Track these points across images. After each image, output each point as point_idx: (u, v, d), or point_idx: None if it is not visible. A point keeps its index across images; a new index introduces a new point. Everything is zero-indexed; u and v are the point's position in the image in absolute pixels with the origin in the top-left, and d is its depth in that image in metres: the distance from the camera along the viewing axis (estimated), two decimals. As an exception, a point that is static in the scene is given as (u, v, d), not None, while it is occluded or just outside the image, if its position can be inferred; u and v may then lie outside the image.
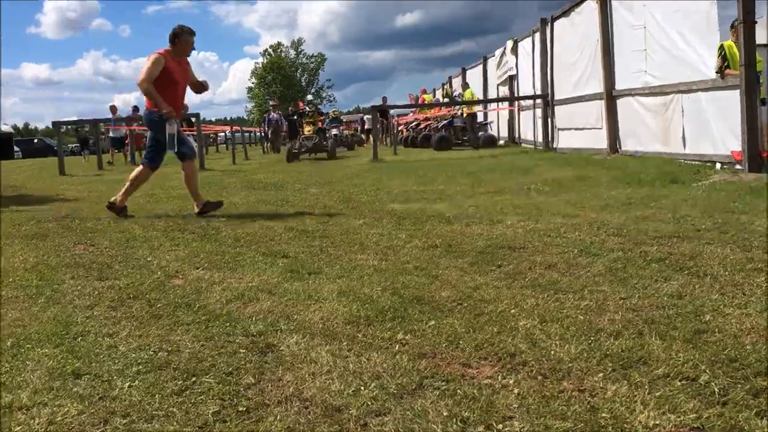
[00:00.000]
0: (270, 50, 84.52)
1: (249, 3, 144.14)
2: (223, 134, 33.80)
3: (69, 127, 29.20)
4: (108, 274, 4.48)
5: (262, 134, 29.94)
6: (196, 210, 7.40)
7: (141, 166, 7.64)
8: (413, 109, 24.06)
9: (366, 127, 31.28)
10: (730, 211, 5.62)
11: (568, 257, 4.33)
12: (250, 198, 8.95)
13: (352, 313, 3.29)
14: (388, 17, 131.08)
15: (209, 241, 5.63)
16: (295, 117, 22.08)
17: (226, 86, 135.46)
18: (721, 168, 8.46)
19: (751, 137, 7.71)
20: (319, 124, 20.35)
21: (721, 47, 8.28)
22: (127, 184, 7.54)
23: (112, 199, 7.50)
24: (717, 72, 8.38)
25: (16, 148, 51.00)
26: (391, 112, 25.29)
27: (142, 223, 6.84)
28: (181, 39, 7.36)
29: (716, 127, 8.62)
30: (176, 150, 7.37)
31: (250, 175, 14.10)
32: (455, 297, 3.52)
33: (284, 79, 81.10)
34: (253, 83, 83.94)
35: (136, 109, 22.42)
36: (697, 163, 8.97)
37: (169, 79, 7.31)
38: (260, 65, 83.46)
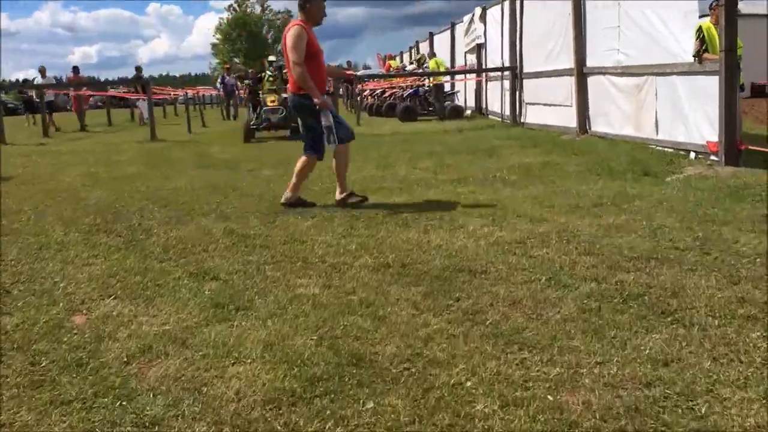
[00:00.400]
0: (235, 5, 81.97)
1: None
2: (183, 95, 31.98)
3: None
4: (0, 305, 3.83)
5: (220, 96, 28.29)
6: (338, 197, 6.61)
7: (304, 157, 6.67)
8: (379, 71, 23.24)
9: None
10: (711, 220, 5.15)
11: (535, 289, 3.80)
12: (196, 183, 8.25)
13: (275, 384, 2.71)
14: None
15: (134, 250, 4.99)
16: (251, 81, 18.57)
17: (190, 41, 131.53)
18: (695, 158, 8.00)
19: (729, 128, 7.24)
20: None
21: (700, 29, 7.73)
22: (294, 179, 6.64)
23: (283, 199, 6.62)
24: (694, 56, 7.85)
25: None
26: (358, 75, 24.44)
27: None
28: (314, 4, 6.42)
29: (691, 114, 8.13)
30: (336, 143, 6.41)
31: (204, 147, 13.34)
32: (402, 356, 2.96)
33: (250, 36, 78.88)
34: (217, 39, 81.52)
35: (76, 69, 21.06)
36: (670, 150, 8.50)
37: (312, 52, 6.35)
38: (225, 21, 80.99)
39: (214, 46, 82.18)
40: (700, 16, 7.85)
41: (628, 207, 5.82)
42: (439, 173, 8.38)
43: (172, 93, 28.89)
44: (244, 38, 77.87)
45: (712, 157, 7.62)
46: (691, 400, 2.48)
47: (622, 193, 6.43)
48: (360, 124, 16.92)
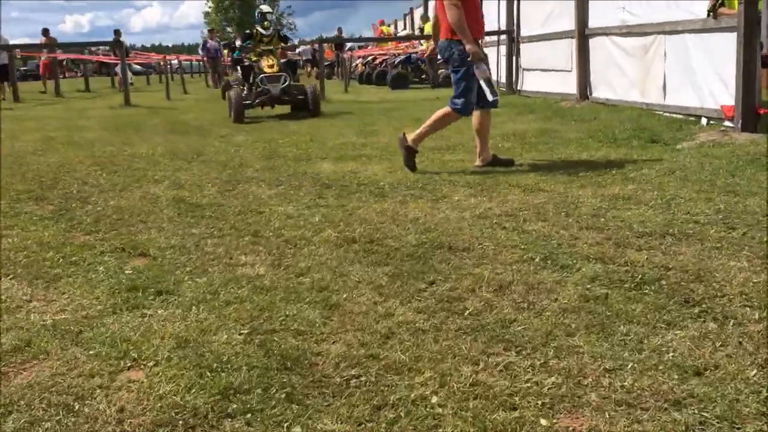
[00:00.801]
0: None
1: None
2: (176, 61, 30.43)
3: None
4: None
5: (203, 63, 26.72)
6: (478, 163, 5.89)
7: (448, 109, 5.84)
8: (372, 44, 22.28)
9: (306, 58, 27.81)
10: (732, 191, 4.44)
11: (527, 270, 3.11)
12: (158, 149, 7.49)
13: (174, 398, 2.02)
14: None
15: (60, 221, 4.27)
16: (234, 41, 15.37)
17: (183, 10, 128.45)
18: (707, 124, 7.27)
19: (747, 90, 6.49)
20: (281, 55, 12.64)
21: (716, -19, 6.98)
22: (426, 126, 5.90)
23: (408, 140, 5.82)
24: (709, 11, 7.09)
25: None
26: (348, 45, 23.52)
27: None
28: None
29: (704, 76, 7.38)
30: (494, 99, 5.63)
31: (179, 115, 12.54)
32: (352, 359, 2.26)
33: (243, 4, 77.30)
34: (210, 7, 79.94)
35: (46, 31, 19.87)
36: (679, 117, 7.76)
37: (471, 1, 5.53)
38: (218, -11, 79.30)
39: (206, 14, 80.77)
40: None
41: (635, 176, 5.11)
42: (425, 141, 7.63)
43: (153, 58, 27.79)
44: (237, 6, 76.46)
45: (727, 123, 6.89)
46: (738, 428, 1.80)
47: (629, 161, 5.71)
48: (347, 92, 16.12)
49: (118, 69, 18.56)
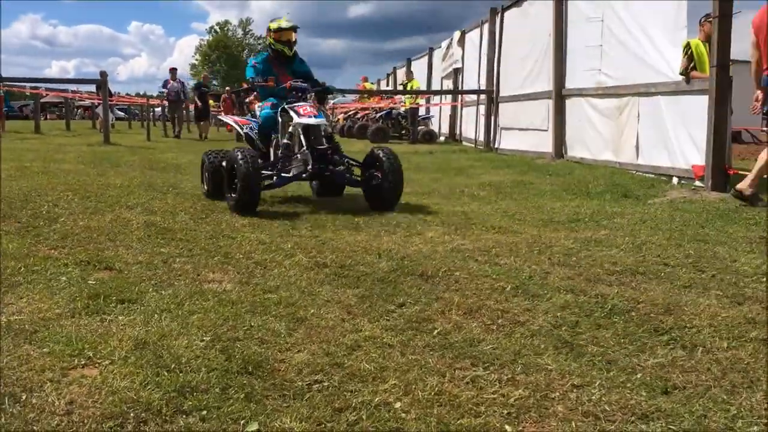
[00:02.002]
0: (217, 28, 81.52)
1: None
2: (159, 108, 30.22)
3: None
4: None
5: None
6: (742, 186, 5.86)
7: None
8: (354, 98, 22.60)
9: None
10: (702, 240, 4.48)
11: (498, 298, 3.08)
12: (134, 181, 7.42)
13: (128, 393, 1.94)
14: (341, 6, 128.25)
15: (26, 236, 4.18)
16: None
17: (171, 61, 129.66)
18: (678, 183, 7.41)
19: (717, 151, 6.65)
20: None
21: (687, 45, 7.21)
22: (755, 171, 5.86)
23: (738, 186, 5.86)
24: (681, 73, 7.31)
25: None
26: (330, 99, 23.84)
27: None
28: None
29: (676, 137, 7.56)
30: None
31: (157, 154, 12.49)
32: (315, 366, 2.21)
33: (229, 59, 78.32)
34: (197, 60, 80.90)
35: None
36: (651, 175, 7.91)
37: None
38: (206, 42, 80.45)
39: (193, 66, 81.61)
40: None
41: (608, 223, 5.15)
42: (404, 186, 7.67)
43: (136, 101, 27.84)
44: (224, 60, 77.49)
45: (697, 183, 7.02)
46: (709, 445, 1.76)
47: (601, 210, 5.77)
48: (328, 143, 16.23)
49: (99, 110, 18.55)
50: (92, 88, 20.93)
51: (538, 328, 2.67)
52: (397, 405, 1.93)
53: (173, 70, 19.74)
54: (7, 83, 18.29)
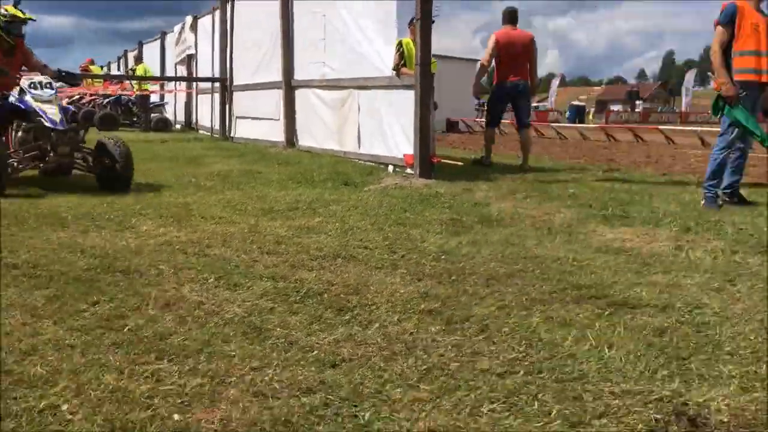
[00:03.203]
0: None
1: None
2: None
3: None
4: None
5: None
6: None
7: None
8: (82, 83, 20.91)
9: None
10: (401, 223, 4.95)
11: (198, 289, 3.14)
12: None
13: None
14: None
15: None
16: None
17: None
18: (393, 171, 8.04)
19: (423, 141, 7.34)
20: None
21: (400, 44, 7.85)
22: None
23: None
24: (394, 69, 7.93)
25: None
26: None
27: None
28: None
29: (390, 128, 8.18)
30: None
31: None
32: (-20, 376, 2.08)
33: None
34: None
35: None
36: (371, 164, 8.48)
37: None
38: None
39: None
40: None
41: (323, 211, 5.45)
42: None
43: None
44: None
45: (408, 170, 7.68)
46: (356, 405, 2.00)
47: (320, 198, 6.08)
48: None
49: None
50: None
51: (232, 317, 2.78)
52: (65, 407, 1.91)
53: None
54: None
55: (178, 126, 17.92)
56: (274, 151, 10.66)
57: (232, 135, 13.60)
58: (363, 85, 8.63)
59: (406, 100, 7.64)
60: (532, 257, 3.86)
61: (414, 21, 7.74)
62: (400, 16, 8.01)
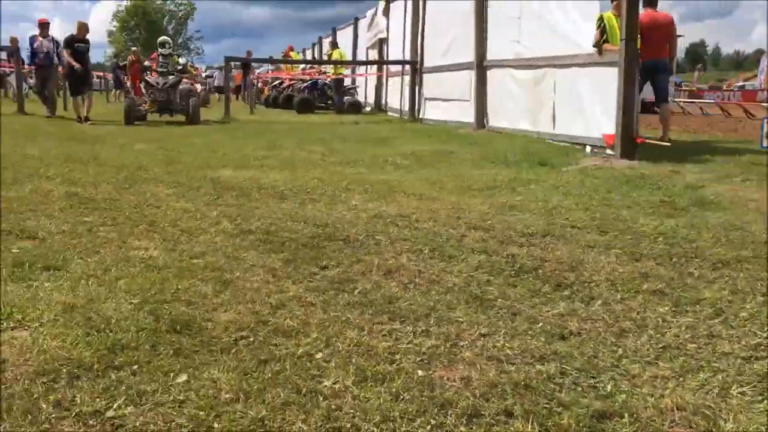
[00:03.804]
0: (135, -8, 78.46)
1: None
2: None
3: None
4: None
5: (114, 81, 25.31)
6: None
7: None
8: (280, 68, 22.31)
9: (216, 83, 27.50)
10: (608, 204, 4.80)
11: (416, 259, 3.27)
12: (52, 152, 7.26)
13: (59, 352, 2.02)
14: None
15: (-59, 207, 4.10)
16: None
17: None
18: (591, 151, 7.79)
19: (625, 120, 7.03)
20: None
21: (600, 19, 7.54)
22: None
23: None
24: (594, 46, 7.65)
25: None
26: (255, 68, 23.47)
27: None
28: None
29: (589, 107, 7.93)
30: None
31: (76, 125, 12.13)
32: (241, 324, 2.33)
33: (149, 25, 75.66)
34: (114, 27, 77.74)
35: None
36: (566, 144, 8.27)
37: None
38: (124, 8, 77.31)
39: (110, 33, 78.39)
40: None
41: (523, 190, 5.42)
42: (327, 156, 7.77)
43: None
44: (143, 27, 74.76)
45: (608, 151, 7.41)
46: (593, 377, 1.99)
47: (517, 178, 6.04)
48: (253, 114, 16.13)
49: (12, 79, 17.76)
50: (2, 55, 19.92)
51: (452, 286, 2.86)
52: (318, 356, 2.08)
53: (44, 25, 13.40)
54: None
55: (368, 108, 18.56)
56: (463, 131, 10.72)
57: (420, 116, 13.86)
58: (560, 63, 8.42)
59: (608, 77, 7.35)
60: (762, 242, 3.59)
61: (615, -6, 7.42)
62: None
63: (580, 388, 1.90)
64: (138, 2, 77.93)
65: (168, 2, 79.91)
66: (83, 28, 12.78)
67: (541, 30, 8.93)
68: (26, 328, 2.22)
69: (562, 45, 8.35)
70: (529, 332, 2.33)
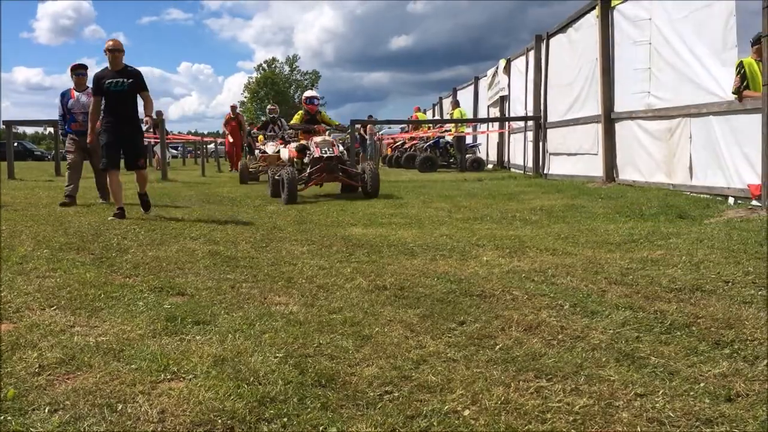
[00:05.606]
0: (264, 65, 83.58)
1: (244, 18, 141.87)
2: (212, 145, 31.85)
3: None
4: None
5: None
6: None
7: None
8: (404, 128, 22.83)
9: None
10: (761, 258, 4.46)
11: (556, 315, 3.15)
12: (194, 214, 7.72)
13: (213, 403, 2.08)
14: (384, 39, 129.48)
15: (100, 266, 4.41)
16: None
17: (220, 99, 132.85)
18: (734, 203, 7.32)
19: (773, 169, 6.58)
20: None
21: (740, 64, 7.18)
22: None
23: None
24: (734, 93, 7.28)
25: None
26: (378, 129, 24.17)
27: (49, 240, 5.60)
28: None
29: (730, 157, 7.50)
30: None
31: (213, 188, 12.89)
32: (385, 378, 2.32)
33: (277, 95, 79.94)
34: (245, 97, 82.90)
35: None
36: (706, 196, 7.83)
37: None
38: (254, 80, 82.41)
39: (242, 104, 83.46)
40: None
41: (663, 243, 5.15)
42: (453, 213, 7.77)
43: (190, 139, 28.82)
44: (272, 96, 79.02)
45: (754, 202, 6.93)
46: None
47: (656, 231, 5.76)
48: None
49: (157, 149, 19.24)
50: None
51: (599, 343, 2.73)
52: (466, 413, 2.02)
53: (81, 70, 12.64)
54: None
55: (489, 165, 18.52)
56: (592, 186, 10.43)
57: (545, 172, 13.64)
58: (695, 112, 8.06)
59: (749, 124, 6.95)
60: None
61: (761, 38, 7.05)
62: (740, 36, 7.36)
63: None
64: (267, 74, 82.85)
65: (295, 73, 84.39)
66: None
67: (673, 79, 8.62)
68: (182, 379, 2.30)
69: (697, 93, 8.01)
70: (691, 393, 2.16)
